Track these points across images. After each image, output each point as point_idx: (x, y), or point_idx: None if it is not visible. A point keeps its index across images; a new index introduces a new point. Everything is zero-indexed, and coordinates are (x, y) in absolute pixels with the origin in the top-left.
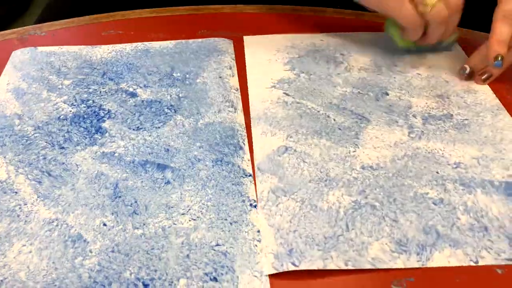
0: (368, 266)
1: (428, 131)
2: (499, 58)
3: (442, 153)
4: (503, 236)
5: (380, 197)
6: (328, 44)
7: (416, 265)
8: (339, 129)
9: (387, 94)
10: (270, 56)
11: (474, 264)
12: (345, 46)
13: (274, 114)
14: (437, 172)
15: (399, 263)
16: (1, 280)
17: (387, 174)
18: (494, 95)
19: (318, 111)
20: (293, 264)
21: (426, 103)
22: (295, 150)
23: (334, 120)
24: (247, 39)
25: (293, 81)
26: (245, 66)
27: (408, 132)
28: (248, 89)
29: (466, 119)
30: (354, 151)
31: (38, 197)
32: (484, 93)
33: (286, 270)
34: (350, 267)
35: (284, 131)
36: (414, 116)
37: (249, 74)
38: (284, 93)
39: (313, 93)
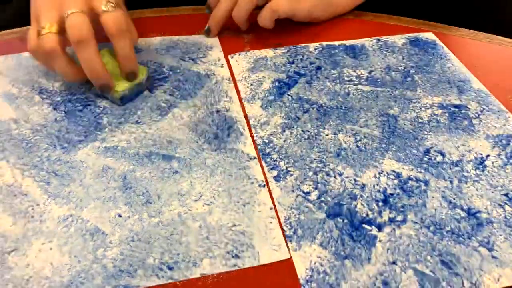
0: None
1: None
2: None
3: None
4: None
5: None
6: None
7: None
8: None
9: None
10: (259, 77)
11: None
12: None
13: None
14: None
15: None
16: (27, 279)
17: None
18: None
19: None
20: None
21: None
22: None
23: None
24: (233, 57)
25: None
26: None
27: None
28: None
29: None
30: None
31: (48, 196)
32: None
33: None
34: None
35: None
36: None
37: (242, 90)
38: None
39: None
